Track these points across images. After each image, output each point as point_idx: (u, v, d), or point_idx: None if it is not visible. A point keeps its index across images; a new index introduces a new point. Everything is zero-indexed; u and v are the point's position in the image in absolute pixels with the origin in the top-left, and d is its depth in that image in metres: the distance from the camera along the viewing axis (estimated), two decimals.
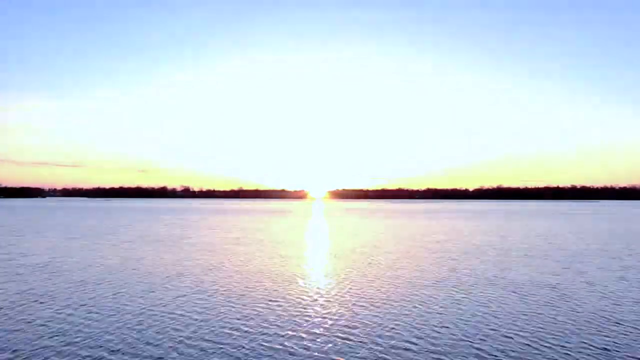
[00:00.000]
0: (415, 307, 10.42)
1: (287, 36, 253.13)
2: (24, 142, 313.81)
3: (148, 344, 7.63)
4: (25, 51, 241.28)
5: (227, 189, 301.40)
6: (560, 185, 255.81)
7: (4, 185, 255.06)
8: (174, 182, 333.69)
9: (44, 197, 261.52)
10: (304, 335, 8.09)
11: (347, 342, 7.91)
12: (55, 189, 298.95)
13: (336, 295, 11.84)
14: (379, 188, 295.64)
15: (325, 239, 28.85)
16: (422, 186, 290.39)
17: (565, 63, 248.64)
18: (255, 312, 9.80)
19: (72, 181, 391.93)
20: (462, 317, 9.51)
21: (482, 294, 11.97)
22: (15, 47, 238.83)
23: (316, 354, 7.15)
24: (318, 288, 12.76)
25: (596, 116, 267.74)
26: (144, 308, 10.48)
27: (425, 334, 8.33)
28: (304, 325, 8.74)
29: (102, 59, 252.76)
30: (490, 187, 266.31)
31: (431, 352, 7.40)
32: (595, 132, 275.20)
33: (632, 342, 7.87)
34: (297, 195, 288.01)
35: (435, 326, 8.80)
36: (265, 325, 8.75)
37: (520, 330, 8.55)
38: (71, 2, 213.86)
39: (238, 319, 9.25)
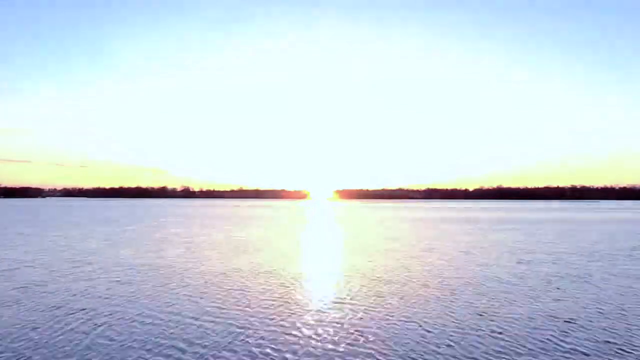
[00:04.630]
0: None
1: (289, 32, 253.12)
2: (25, 142, 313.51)
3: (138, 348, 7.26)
4: (25, 49, 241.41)
5: (227, 189, 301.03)
6: (560, 185, 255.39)
7: (3, 185, 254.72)
8: (175, 182, 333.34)
9: (43, 197, 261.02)
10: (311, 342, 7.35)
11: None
12: (55, 189, 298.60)
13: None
14: (380, 189, 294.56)
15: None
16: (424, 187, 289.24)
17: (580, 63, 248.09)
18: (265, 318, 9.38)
19: (72, 181, 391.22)
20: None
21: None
22: (15, 45, 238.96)
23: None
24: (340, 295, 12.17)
25: (598, 115, 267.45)
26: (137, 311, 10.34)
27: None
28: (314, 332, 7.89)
29: (102, 60, 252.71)
30: (491, 188, 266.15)
31: None
32: (599, 133, 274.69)
33: None
34: (298, 196, 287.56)
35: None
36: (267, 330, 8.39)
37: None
38: (79, 2, 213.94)
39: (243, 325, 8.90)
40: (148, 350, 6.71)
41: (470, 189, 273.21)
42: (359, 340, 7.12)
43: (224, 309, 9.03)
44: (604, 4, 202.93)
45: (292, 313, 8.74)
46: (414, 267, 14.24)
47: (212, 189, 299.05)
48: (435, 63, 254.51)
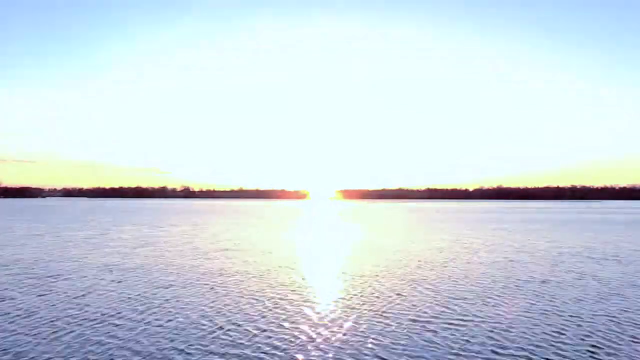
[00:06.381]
0: None
1: (289, 32, 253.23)
2: (24, 141, 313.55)
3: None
4: (24, 49, 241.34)
5: (228, 189, 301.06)
6: (560, 186, 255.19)
7: (4, 185, 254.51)
8: (175, 183, 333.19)
9: (44, 197, 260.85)
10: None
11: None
12: (55, 189, 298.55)
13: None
14: (380, 189, 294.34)
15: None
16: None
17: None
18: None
19: (72, 181, 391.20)
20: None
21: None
22: (14, 44, 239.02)
23: None
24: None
25: (598, 115, 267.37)
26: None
27: None
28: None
29: (102, 60, 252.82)
30: (491, 188, 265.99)
31: None
32: (596, 132, 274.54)
33: None
34: (297, 196, 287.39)
35: None
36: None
37: None
38: (80, 1, 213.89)
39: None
40: (147, 350, 6.61)
41: (471, 189, 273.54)
42: (362, 340, 7.05)
43: (224, 307, 8.99)
44: (604, 2, 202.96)
45: (292, 311, 8.67)
46: (413, 263, 14.24)
47: (212, 189, 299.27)
48: (435, 63, 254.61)
